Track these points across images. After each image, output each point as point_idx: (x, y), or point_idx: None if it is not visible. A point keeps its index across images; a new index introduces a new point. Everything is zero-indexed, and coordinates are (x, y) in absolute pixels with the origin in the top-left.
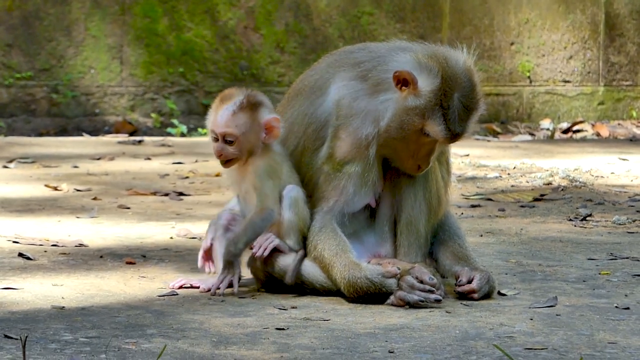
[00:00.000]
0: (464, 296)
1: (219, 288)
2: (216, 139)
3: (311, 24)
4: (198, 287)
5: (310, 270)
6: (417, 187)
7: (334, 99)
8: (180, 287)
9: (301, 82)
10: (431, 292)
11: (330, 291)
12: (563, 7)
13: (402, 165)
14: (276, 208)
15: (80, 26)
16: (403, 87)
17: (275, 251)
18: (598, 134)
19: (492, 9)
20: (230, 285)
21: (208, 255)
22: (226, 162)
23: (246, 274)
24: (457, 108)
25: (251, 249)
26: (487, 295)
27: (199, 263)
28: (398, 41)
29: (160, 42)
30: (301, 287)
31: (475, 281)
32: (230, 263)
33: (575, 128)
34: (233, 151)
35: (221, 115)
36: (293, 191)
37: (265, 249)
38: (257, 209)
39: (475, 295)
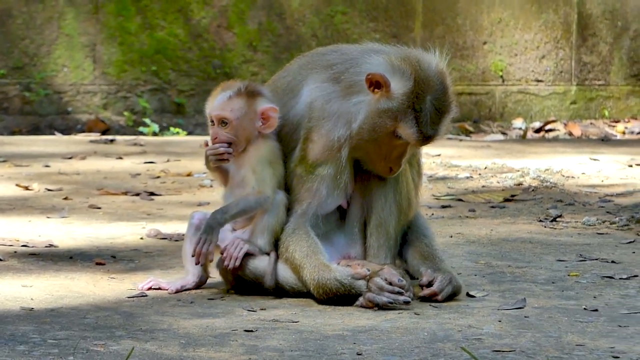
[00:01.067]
0: (430, 298)
1: (197, 255)
2: (212, 123)
3: (284, 23)
4: (167, 289)
5: (281, 272)
6: (388, 189)
7: (306, 101)
8: (150, 289)
9: (273, 84)
10: (400, 293)
11: (301, 293)
12: (536, 6)
13: (374, 167)
14: (271, 196)
15: (53, 24)
16: (376, 90)
17: (246, 255)
18: (570, 134)
19: (465, 9)
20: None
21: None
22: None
23: (215, 275)
24: (429, 111)
25: (221, 253)
26: (452, 295)
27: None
28: (371, 43)
29: (133, 40)
30: (277, 290)
31: (436, 284)
32: (212, 229)
33: (547, 127)
34: (227, 135)
35: (218, 99)
36: (279, 195)
37: (237, 259)
38: (254, 190)
39: (439, 298)
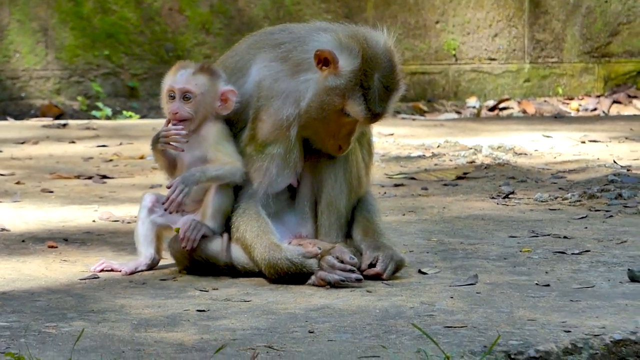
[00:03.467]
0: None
1: (169, 201)
2: (172, 98)
3: (236, 5)
4: (120, 271)
5: (233, 251)
6: (338, 168)
7: (255, 80)
8: (102, 271)
9: (222, 64)
10: (352, 271)
11: (253, 272)
12: None
13: (323, 145)
14: (242, 169)
15: (4, 10)
16: (323, 67)
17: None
18: (524, 111)
19: None
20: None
21: None
22: (179, 122)
23: (168, 257)
24: (377, 88)
25: (177, 231)
26: (396, 270)
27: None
28: (319, 22)
29: (86, 25)
30: (230, 269)
31: (379, 264)
32: (187, 183)
33: (501, 105)
34: (188, 110)
35: (182, 74)
36: None
37: (194, 241)
38: (229, 163)
39: (383, 277)
